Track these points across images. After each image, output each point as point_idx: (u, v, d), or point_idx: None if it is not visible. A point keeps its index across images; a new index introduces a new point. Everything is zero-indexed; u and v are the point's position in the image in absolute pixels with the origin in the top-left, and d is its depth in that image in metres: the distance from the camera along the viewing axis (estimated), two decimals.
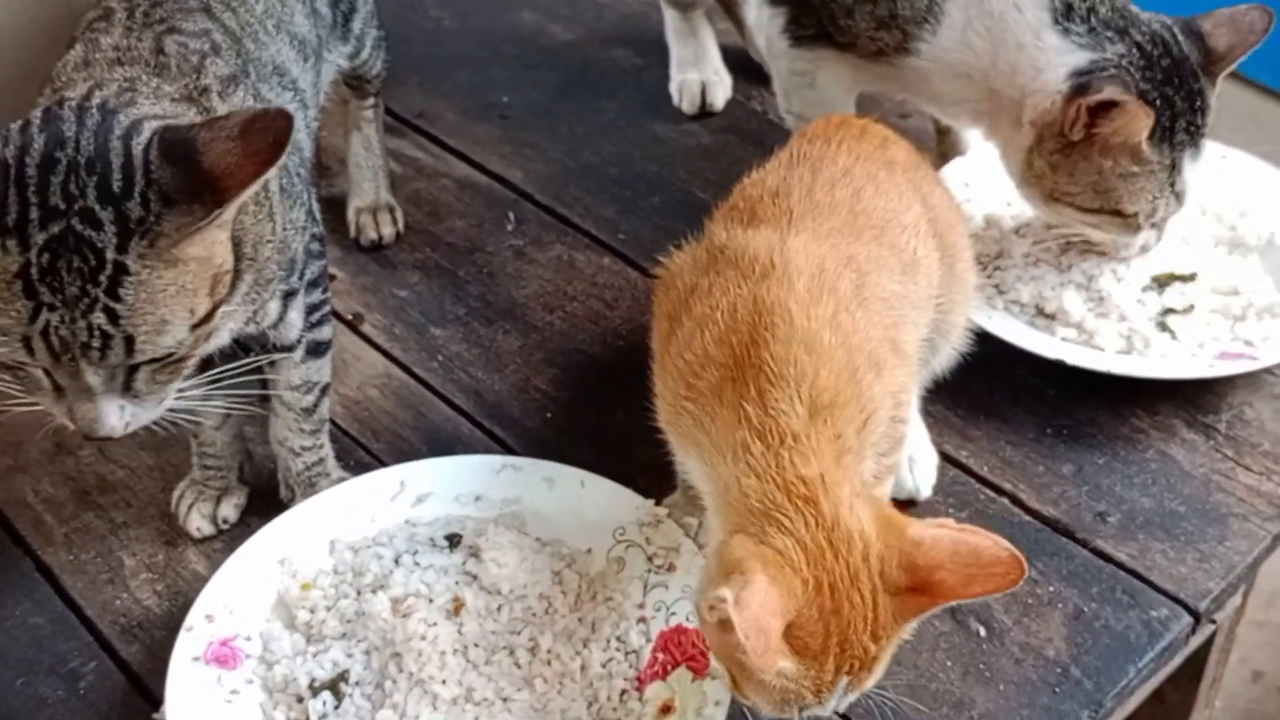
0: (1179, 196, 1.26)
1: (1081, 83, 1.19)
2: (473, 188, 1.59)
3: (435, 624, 1.04)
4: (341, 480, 1.18)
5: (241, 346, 1.07)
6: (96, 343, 0.87)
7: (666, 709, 1.00)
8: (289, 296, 1.07)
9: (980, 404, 1.27)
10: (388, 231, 1.50)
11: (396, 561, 1.09)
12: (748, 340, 0.91)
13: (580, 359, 1.36)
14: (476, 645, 1.04)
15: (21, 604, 1.15)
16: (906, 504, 1.18)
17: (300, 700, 1.02)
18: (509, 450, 1.26)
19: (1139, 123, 1.17)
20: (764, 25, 1.43)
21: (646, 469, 1.14)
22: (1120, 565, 1.14)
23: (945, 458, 1.22)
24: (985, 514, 1.19)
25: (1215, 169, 1.34)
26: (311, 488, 1.18)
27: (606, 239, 1.50)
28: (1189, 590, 1.12)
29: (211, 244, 0.90)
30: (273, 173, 0.88)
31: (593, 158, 1.62)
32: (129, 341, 0.88)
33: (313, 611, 1.07)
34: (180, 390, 0.95)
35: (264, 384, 1.19)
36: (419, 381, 1.35)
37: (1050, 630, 1.09)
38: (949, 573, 0.85)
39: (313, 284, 1.11)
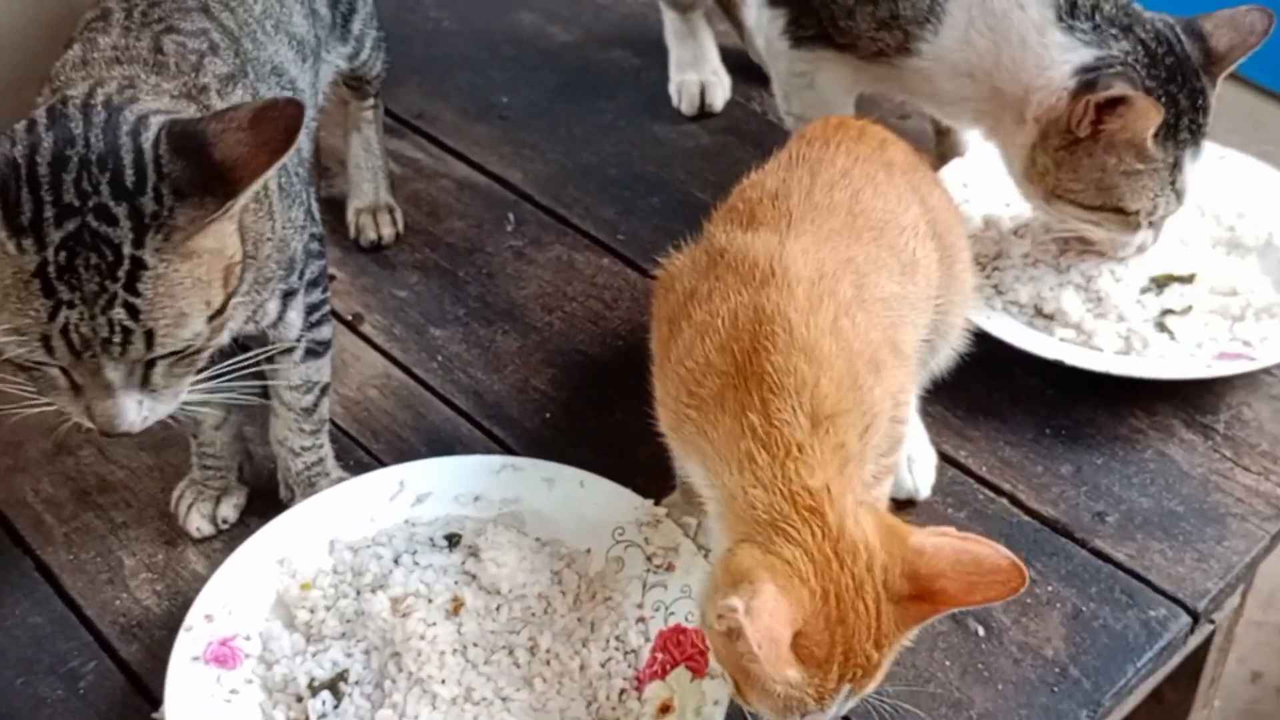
0: (1179, 195, 1.26)
1: (1089, 79, 1.19)
2: (472, 188, 1.59)
3: (434, 624, 1.04)
4: (341, 480, 1.18)
5: (241, 346, 1.07)
6: (117, 338, 0.87)
7: (665, 708, 1.00)
8: (288, 296, 1.07)
9: (979, 404, 1.28)
10: (387, 232, 1.50)
11: (396, 561, 1.09)
12: (749, 348, 0.91)
13: (579, 359, 1.36)
14: (476, 645, 1.04)
15: (21, 604, 1.15)
16: (905, 504, 1.18)
17: (300, 700, 1.02)
18: (508, 450, 1.26)
19: (1148, 119, 1.17)
20: (763, 27, 1.43)
21: (645, 469, 1.14)
22: (1119, 565, 1.14)
23: (944, 458, 1.22)
24: (984, 514, 1.19)
25: (1213, 169, 1.34)
26: (311, 488, 1.18)
27: (606, 240, 1.50)
28: (1187, 590, 1.12)
29: (223, 235, 0.91)
30: (283, 161, 0.89)
31: (592, 158, 1.62)
32: (149, 335, 0.88)
33: (312, 611, 1.07)
34: (193, 383, 0.95)
35: (264, 384, 1.19)
36: (418, 382, 1.35)
37: (1049, 630, 1.09)
38: (950, 581, 0.86)
39: (312, 284, 1.11)
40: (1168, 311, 1.32)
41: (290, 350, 1.11)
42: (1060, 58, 1.21)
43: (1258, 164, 1.44)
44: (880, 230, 1.04)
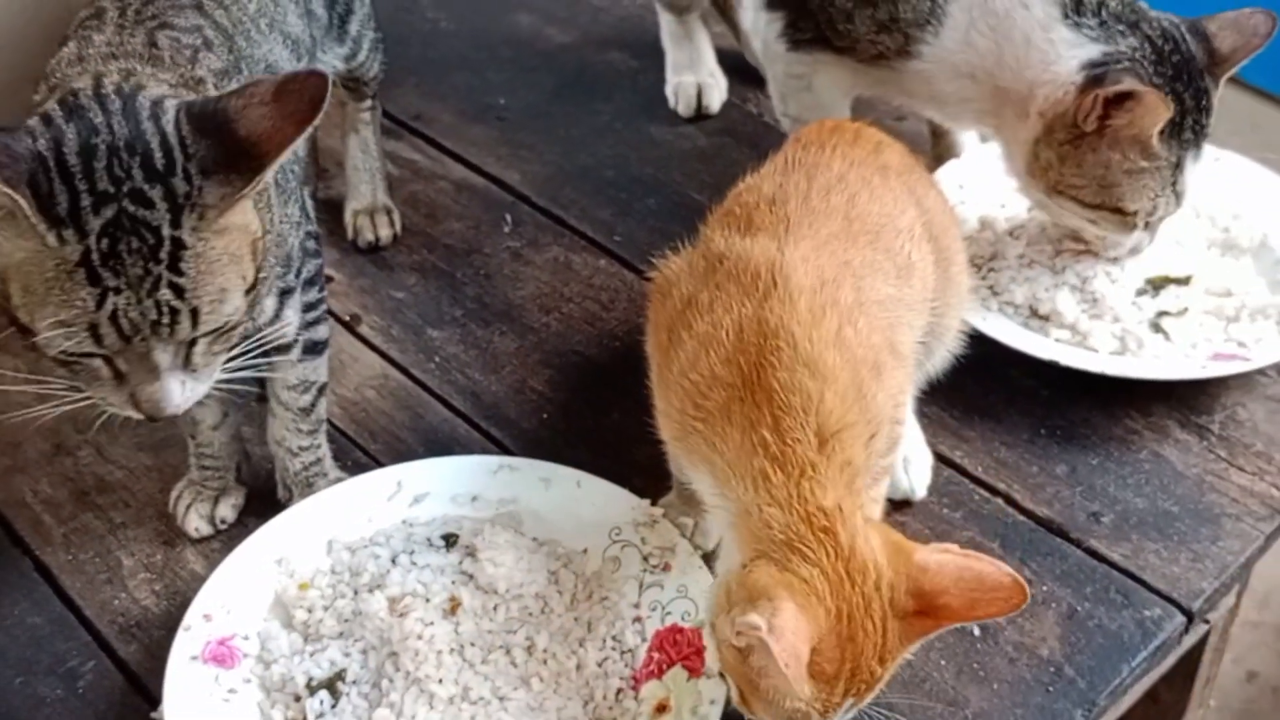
0: (1179, 197, 1.26)
1: (1097, 74, 1.19)
2: (469, 190, 1.59)
3: (432, 623, 1.04)
4: (339, 480, 1.19)
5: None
6: (166, 319, 0.88)
7: (662, 708, 1.01)
8: (285, 294, 1.08)
9: (975, 405, 1.28)
10: (385, 233, 1.51)
11: (393, 561, 1.10)
12: (755, 362, 0.92)
13: (577, 360, 1.37)
14: (473, 644, 1.04)
15: (20, 604, 1.15)
16: (902, 504, 1.18)
17: (298, 699, 1.02)
18: (505, 451, 1.26)
19: (1156, 114, 1.17)
20: (761, 29, 1.43)
21: (642, 469, 1.15)
22: (1114, 565, 1.15)
23: (940, 458, 1.23)
24: (979, 514, 1.19)
25: (1209, 171, 1.34)
26: (309, 488, 1.19)
27: (603, 241, 1.50)
28: (1182, 590, 1.13)
29: (247, 211, 0.92)
30: (310, 130, 0.90)
31: (589, 160, 1.62)
32: (194, 314, 0.89)
33: (310, 611, 1.07)
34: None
35: (262, 384, 1.20)
36: (416, 382, 1.35)
37: (1044, 630, 1.09)
38: (953, 597, 0.87)
39: (309, 282, 1.12)
40: (1163, 313, 1.32)
41: (287, 349, 1.11)
42: (1067, 53, 1.21)
43: (1253, 165, 1.45)
44: (876, 234, 1.04)
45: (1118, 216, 1.26)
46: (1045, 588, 1.13)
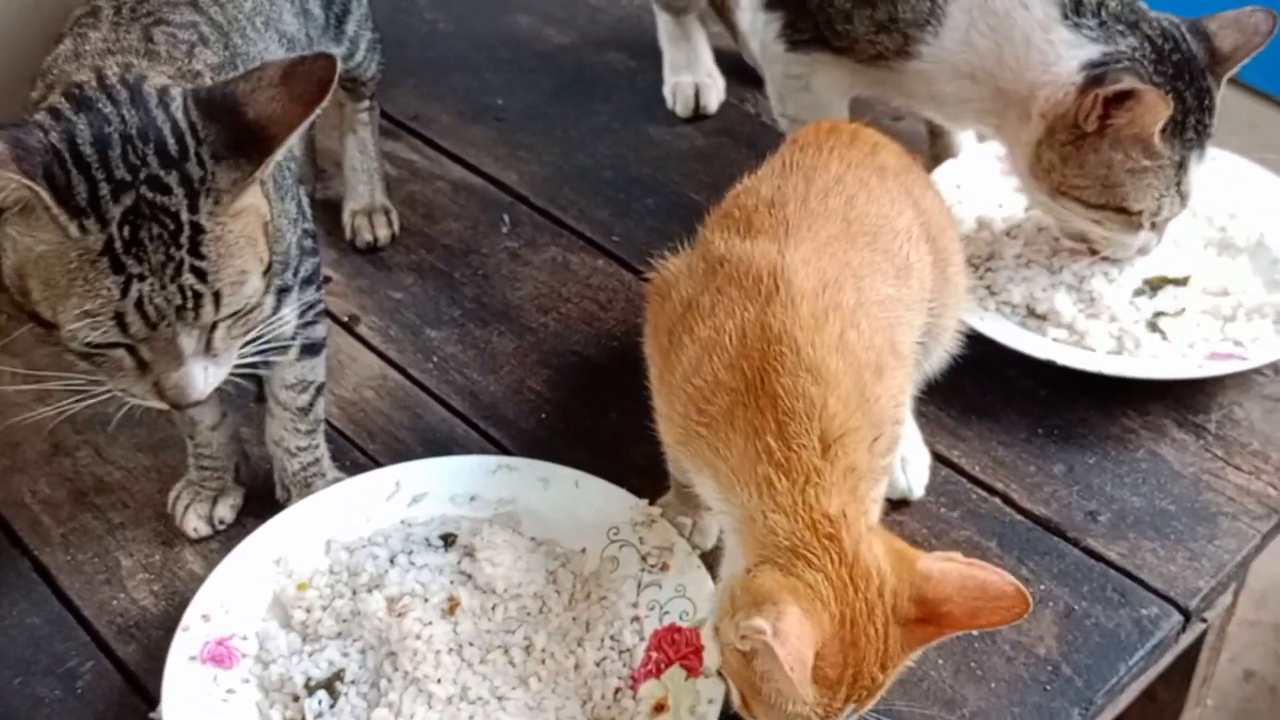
0: (1184, 197, 1.26)
1: (1097, 73, 1.19)
2: (468, 190, 1.59)
3: (430, 623, 1.04)
4: (337, 481, 1.19)
5: None
6: (190, 303, 0.89)
7: (660, 707, 1.01)
8: (283, 293, 1.08)
9: (972, 404, 1.28)
10: (383, 234, 1.51)
11: (392, 561, 1.10)
12: (758, 367, 0.92)
13: (575, 360, 1.37)
14: (471, 644, 1.04)
15: (19, 604, 1.15)
16: (899, 503, 1.19)
17: (296, 699, 1.02)
18: (504, 451, 1.27)
19: (1157, 113, 1.18)
20: (759, 30, 1.43)
21: (640, 469, 1.15)
22: (1111, 564, 1.15)
23: (937, 458, 1.23)
24: (977, 513, 1.20)
25: (1205, 171, 1.35)
26: (307, 488, 1.19)
27: (601, 241, 1.51)
28: (1179, 588, 1.13)
29: (256, 193, 0.93)
30: (319, 111, 0.91)
31: (587, 160, 1.62)
32: (217, 297, 0.90)
33: (308, 611, 1.07)
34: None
35: (260, 385, 1.20)
36: (414, 383, 1.35)
37: (1041, 628, 1.10)
38: (956, 605, 0.87)
39: (306, 281, 1.12)
40: (1160, 313, 1.32)
41: (285, 348, 1.12)
42: (1067, 54, 1.21)
43: (1249, 165, 1.45)
44: (875, 235, 1.04)
45: (1123, 216, 1.26)
46: (1042, 587, 1.13)
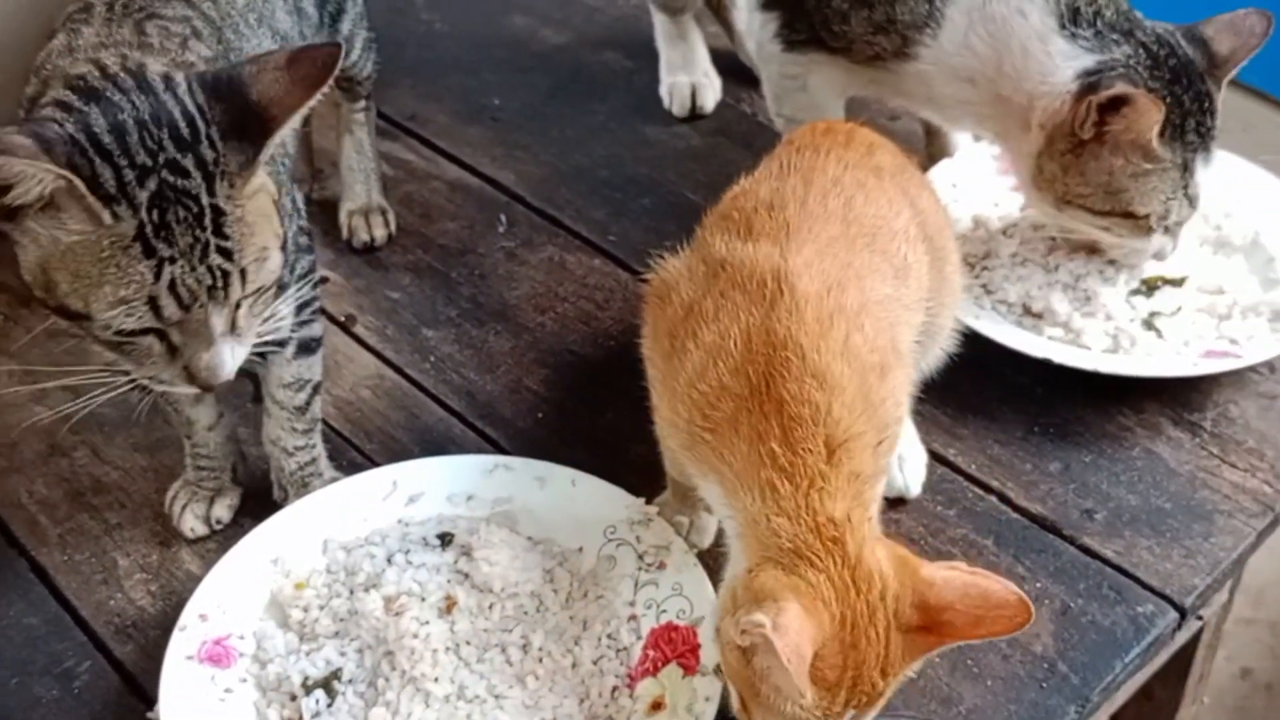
0: (1192, 200, 1.27)
1: (1091, 81, 1.20)
2: (464, 190, 1.59)
3: (428, 622, 1.04)
4: (334, 480, 1.19)
5: None
6: (220, 283, 0.91)
7: (657, 705, 1.01)
8: (279, 289, 1.08)
9: (968, 403, 1.28)
10: (380, 234, 1.51)
11: (389, 560, 1.10)
12: (764, 372, 0.92)
13: (571, 359, 1.37)
14: (469, 643, 1.05)
15: (16, 604, 1.15)
16: (896, 502, 1.19)
17: (293, 698, 1.02)
18: (501, 450, 1.27)
19: (1150, 117, 1.18)
20: (755, 30, 1.43)
21: (637, 468, 1.15)
22: (1107, 562, 1.15)
23: (934, 456, 1.23)
24: (973, 511, 1.20)
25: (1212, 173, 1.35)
26: (304, 488, 1.19)
27: (597, 240, 1.51)
28: (1175, 586, 1.13)
29: (262, 173, 0.94)
30: (320, 95, 0.92)
31: (584, 160, 1.63)
32: (243, 274, 0.92)
33: (306, 610, 1.07)
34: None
35: (257, 385, 1.20)
36: (411, 382, 1.35)
37: (1037, 626, 1.10)
38: (958, 613, 0.87)
39: (301, 278, 1.12)
40: (1156, 313, 1.33)
41: (282, 346, 1.12)
42: (1064, 64, 1.22)
43: (1244, 164, 1.45)
44: (873, 237, 1.04)
45: (1130, 221, 1.26)
46: (1039, 585, 1.13)
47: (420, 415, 1.32)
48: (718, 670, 0.98)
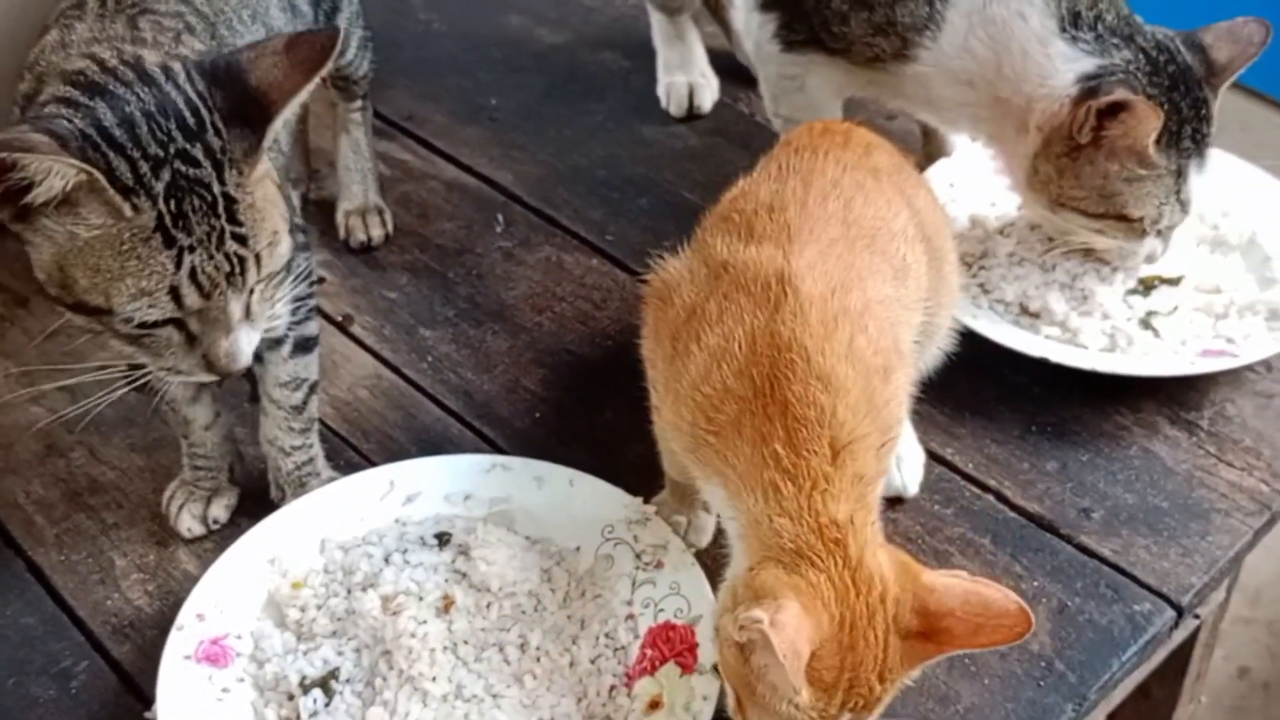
0: (1184, 205, 1.27)
1: (1090, 86, 1.20)
2: (461, 190, 1.59)
3: (425, 622, 1.04)
4: (331, 480, 1.19)
5: None
6: (237, 269, 0.92)
7: (655, 704, 1.01)
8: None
9: (965, 402, 1.28)
10: (377, 233, 1.51)
11: (386, 560, 1.10)
12: (768, 374, 0.92)
13: (569, 359, 1.37)
14: (466, 642, 1.05)
15: (13, 604, 1.15)
16: (894, 501, 1.19)
17: (291, 698, 1.02)
18: (498, 450, 1.27)
19: (1148, 124, 1.18)
20: (754, 30, 1.43)
21: (635, 467, 1.15)
22: (1104, 560, 1.15)
23: (931, 455, 1.23)
24: (970, 510, 1.20)
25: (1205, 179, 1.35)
26: (302, 487, 1.19)
27: (595, 240, 1.51)
28: (1172, 585, 1.13)
29: (266, 159, 0.95)
30: (319, 79, 0.92)
31: (581, 160, 1.63)
32: (258, 260, 0.93)
33: (303, 610, 1.07)
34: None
35: (254, 385, 1.20)
36: (408, 382, 1.35)
37: (1034, 625, 1.09)
38: (958, 620, 0.87)
39: (297, 276, 1.12)
40: (1153, 312, 1.33)
41: (278, 345, 1.12)
42: (1063, 67, 1.22)
43: (1241, 163, 1.45)
44: (873, 238, 1.04)
45: (1125, 224, 1.27)
46: (1036, 583, 1.13)
47: (418, 415, 1.32)
48: (716, 669, 0.98)
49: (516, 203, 1.57)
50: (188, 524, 1.19)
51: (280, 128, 0.96)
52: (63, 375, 1.12)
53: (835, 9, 1.32)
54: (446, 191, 1.59)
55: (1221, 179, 1.43)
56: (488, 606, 1.07)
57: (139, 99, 0.90)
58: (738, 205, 1.06)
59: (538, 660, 1.04)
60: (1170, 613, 1.12)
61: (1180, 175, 1.25)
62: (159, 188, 0.88)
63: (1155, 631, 1.10)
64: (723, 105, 1.70)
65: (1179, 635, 1.20)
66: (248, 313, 0.95)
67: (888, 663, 0.87)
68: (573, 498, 1.14)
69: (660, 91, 1.70)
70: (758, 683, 0.86)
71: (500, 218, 1.55)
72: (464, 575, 1.09)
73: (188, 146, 0.89)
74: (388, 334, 1.41)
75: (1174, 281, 1.36)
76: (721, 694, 0.96)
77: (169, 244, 0.89)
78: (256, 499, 1.21)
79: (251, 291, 0.94)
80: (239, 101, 0.91)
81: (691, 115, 1.68)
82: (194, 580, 1.09)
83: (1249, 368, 1.30)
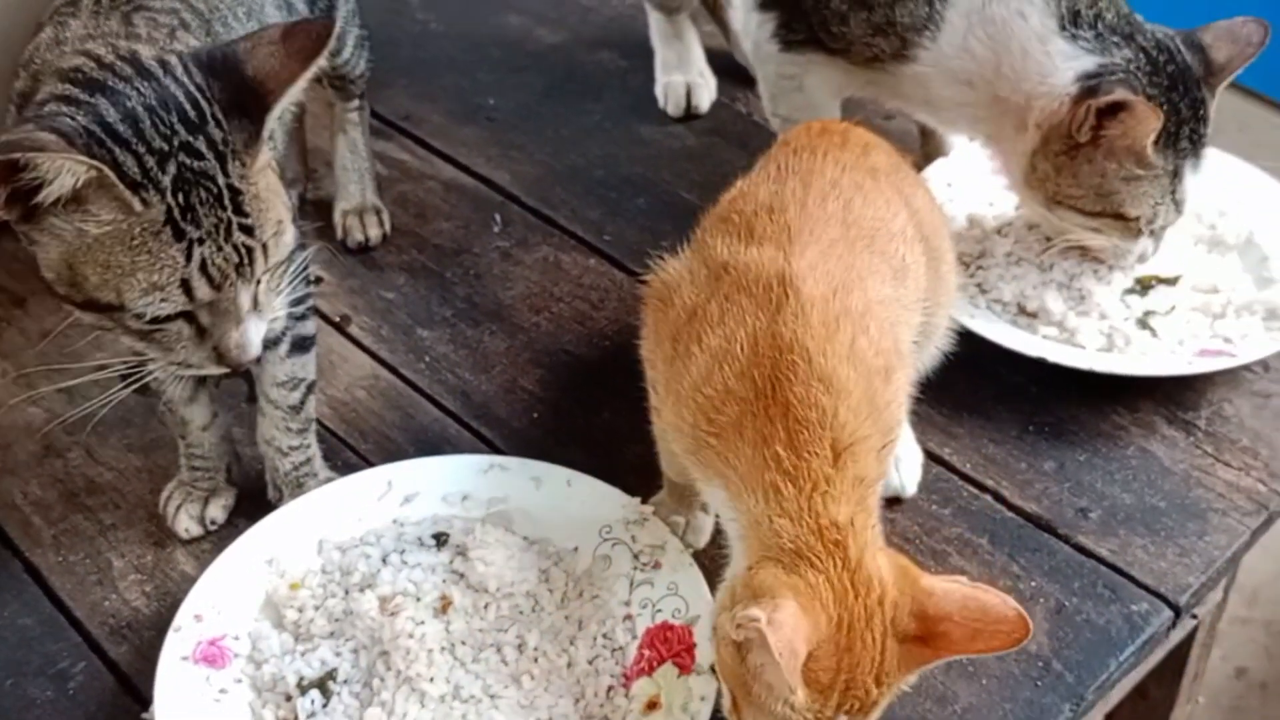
0: (1179, 205, 1.27)
1: (1091, 85, 1.20)
2: (459, 190, 1.59)
3: (423, 622, 1.04)
4: (329, 480, 1.19)
5: None
6: (245, 259, 0.92)
7: (652, 705, 1.01)
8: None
9: (963, 402, 1.28)
10: (374, 233, 1.51)
11: (384, 560, 1.10)
12: (770, 376, 0.92)
13: (567, 359, 1.37)
14: (464, 643, 1.05)
15: (10, 605, 1.15)
16: (892, 501, 1.19)
17: (289, 699, 1.02)
18: (496, 450, 1.27)
19: (1148, 125, 1.18)
20: (752, 30, 1.43)
21: (633, 468, 1.15)
22: (1101, 560, 1.15)
23: (929, 455, 1.23)
24: (968, 510, 1.20)
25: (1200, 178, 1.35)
26: (299, 488, 1.19)
27: (592, 240, 1.51)
28: (1169, 585, 1.13)
29: (266, 149, 0.95)
30: (314, 68, 0.93)
31: (579, 160, 1.63)
32: (265, 249, 0.93)
33: (301, 611, 1.07)
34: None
35: (251, 385, 1.20)
36: (406, 382, 1.35)
37: (1032, 625, 1.09)
38: (955, 625, 0.87)
39: (294, 275, 1.12)
40: (1150, 311, 1.33)
41: (275, 344, 1.12)
42: (1063, 65, 1.22)
43: (1239, 162, 1.45)
44: (872, 238, 1.04)
45: (1120, 222, 1.27)
46: (1033, 583, 1.13)
47: (415, 415, 1.32)
48: (713, 669, 0.98)
49: (514, 202, 1.57)
50: (185, 525, 1.19)
51: (278, 118, 0.96)
52: (60, 376, 1.12)
53: (834, 9, 1.32)
54: (444, 191, 1.59)
55: (1219, 179, 1.43)
56: (485, 607, 1.07)
57: (139, 93, 0.90)
58: (737, 206, 1.06)
59: (535, 661, 1.04)
60: (1168, 613, 1.12)
61: (1176, 175, 1.25)
62: (166, 181, 0.88)
63: (1153, 631, 1.11)
64: (720, 105, 1.70)
65: (1176, 635, 1.20)
66: (255, 303, 0.95)
67: (884, 666, 0.87)
68: (570, 498, 1.14)
69: (658, 91, 1.70)
70: (754, 682, 0.86)
71: (498, 218, 1.55)
72: (462, 576, 1.09)
73: (190, 139, 0.89)
74: (385, 334, 1.41)
75: (1171, 281, 1.36)
76: (719, 694, 0.96)
77: (179, 237, 0.89)
78: (254, 499, 1.21)
79: (258, 282, 0.95)
80: (237, 92, 0.91)
81: (689, 115, 1.68)
82: (191, 581, 1.09)
83: (1246, 367, 1.30)
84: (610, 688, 1.03)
